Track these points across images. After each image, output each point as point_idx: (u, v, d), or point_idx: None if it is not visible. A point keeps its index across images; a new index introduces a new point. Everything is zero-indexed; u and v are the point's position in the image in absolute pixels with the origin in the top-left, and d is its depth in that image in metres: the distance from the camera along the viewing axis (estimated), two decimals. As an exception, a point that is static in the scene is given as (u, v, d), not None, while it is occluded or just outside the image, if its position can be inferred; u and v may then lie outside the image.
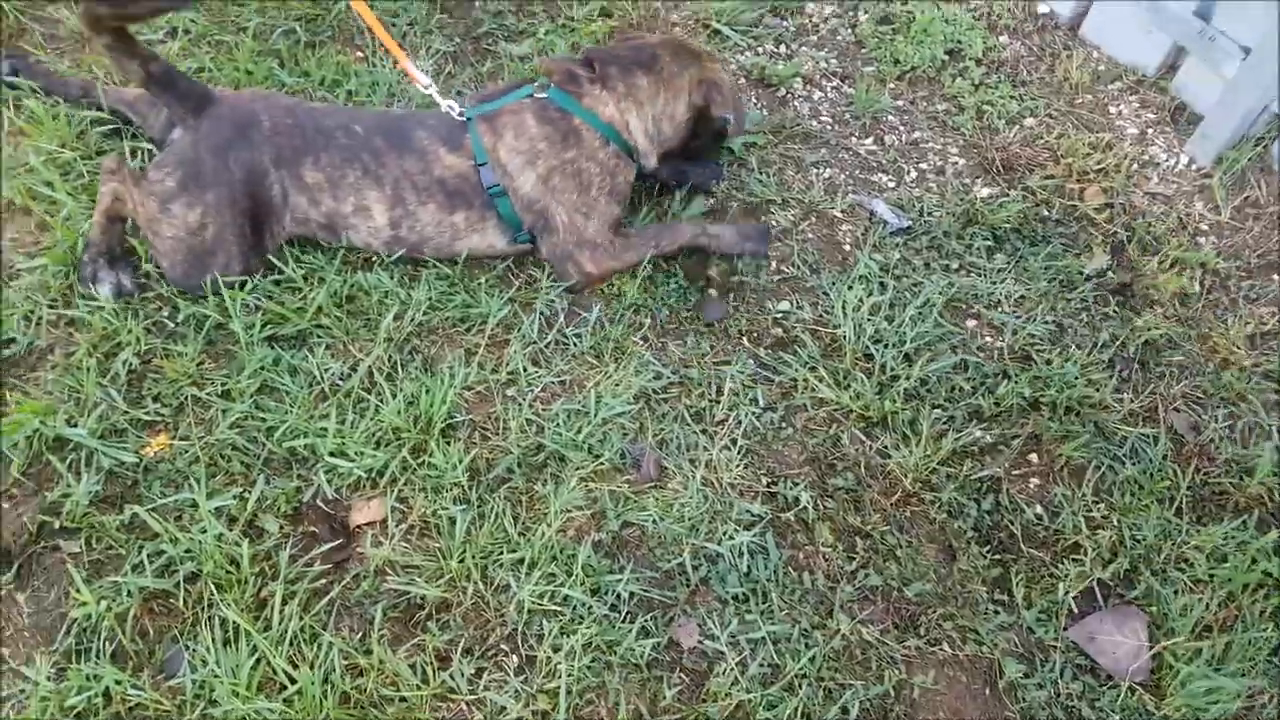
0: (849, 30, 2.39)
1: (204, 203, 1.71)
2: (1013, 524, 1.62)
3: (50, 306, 1.67)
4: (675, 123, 1.85)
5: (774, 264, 1.91)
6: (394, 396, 1.61)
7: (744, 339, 1.80)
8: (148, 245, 1.76)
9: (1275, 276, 1.99)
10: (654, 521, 1.55)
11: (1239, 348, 1.85)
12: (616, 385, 1.69)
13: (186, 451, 1.55)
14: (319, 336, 1.69)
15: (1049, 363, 1.79)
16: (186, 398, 1.60)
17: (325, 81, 2.05)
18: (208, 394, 1.61)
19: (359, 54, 2.16)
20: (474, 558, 1.48)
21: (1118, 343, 1.84)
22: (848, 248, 1.96)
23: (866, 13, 2.41)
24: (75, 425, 1.55)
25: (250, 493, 1.51)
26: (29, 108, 1.90)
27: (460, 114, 1.80)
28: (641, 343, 1.76)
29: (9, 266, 1.72)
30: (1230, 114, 2.09)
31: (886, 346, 1.77)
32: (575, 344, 1.74)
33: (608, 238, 1.83)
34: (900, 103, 2.24)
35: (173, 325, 1.68)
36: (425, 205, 1.78)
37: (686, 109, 1.83)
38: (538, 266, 1.84)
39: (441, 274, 1.79)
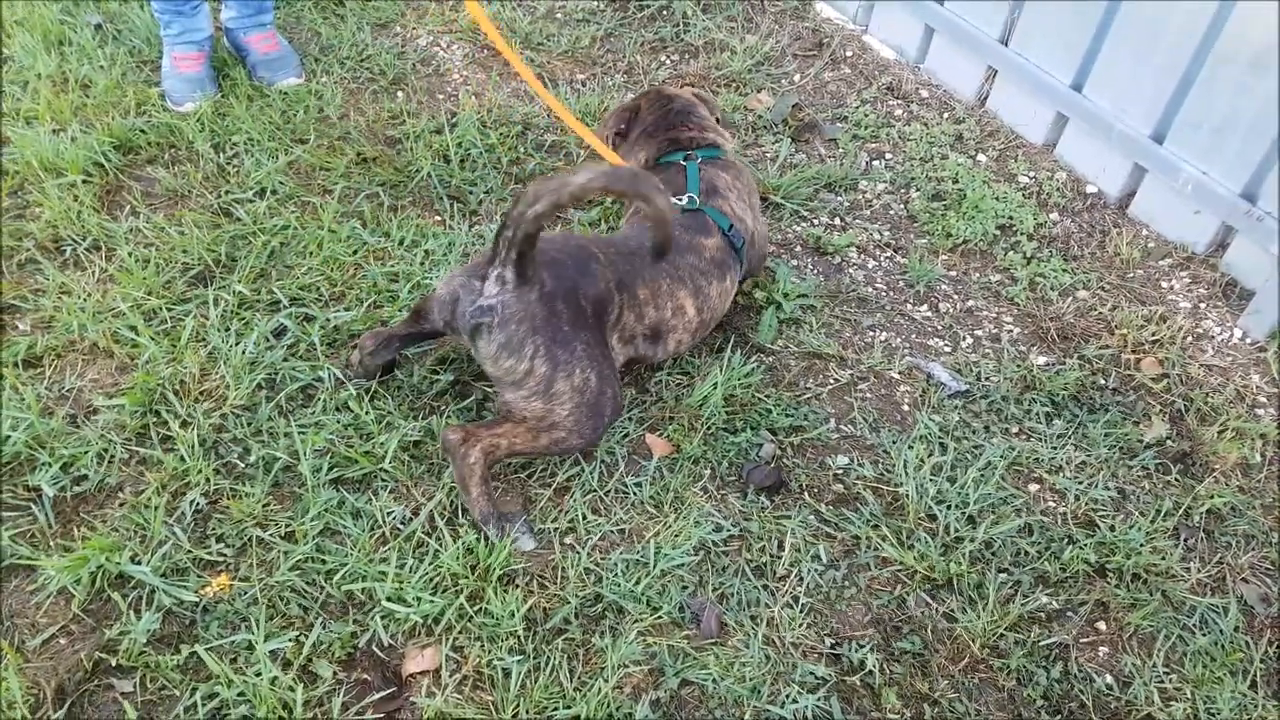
0: (901, 206, 2.69)
1: (577, 357, 1.82)
2: (1083, 694, 1.68)
3: (124, 445, 1.89)
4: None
5: (833, 421, 2.09)
6: (454, 541, 1.76)
7: (805, 494, 1.94)
8: (542, 447, 1.83)
9: (1342, 450, 2.13)
10: (714, 681, 1.64)
11: (1308, 518, 1.97)
12: (676, 536, 1.82)
13: (246, 593, 1.69)
14: (384, 480, 1.87)
15: (1113, 529, 1.90)
16: (250, 538, 1.76)
17: (404, 242, 2.34)
18: (271, 535, 1.77)
19: (437, 217, 2.47)
20: (528, 712, 1.57)
21: (1181, 510, 1.96)
22: (906, 408, 2.14)
23: (918, 190, 2.72)
24: (139, 562, 1.71)
25: (306, 636, 1.63)
26: (120, 256, 2.21)
27: (688, 199, 2.14)
28: (701, 494, 1.91)
29: (88, 406, 1.95)
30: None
31: (950, 507, 1.90)
32: (635, 493, 1.90)
33: (764, 222, 2.36)
34: (953, 273, 2.50)
35: (242, 466, 1.88)
36: (711, 285, 2.10)
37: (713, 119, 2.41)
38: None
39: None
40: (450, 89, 2.92)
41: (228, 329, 2.08)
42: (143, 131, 2.57)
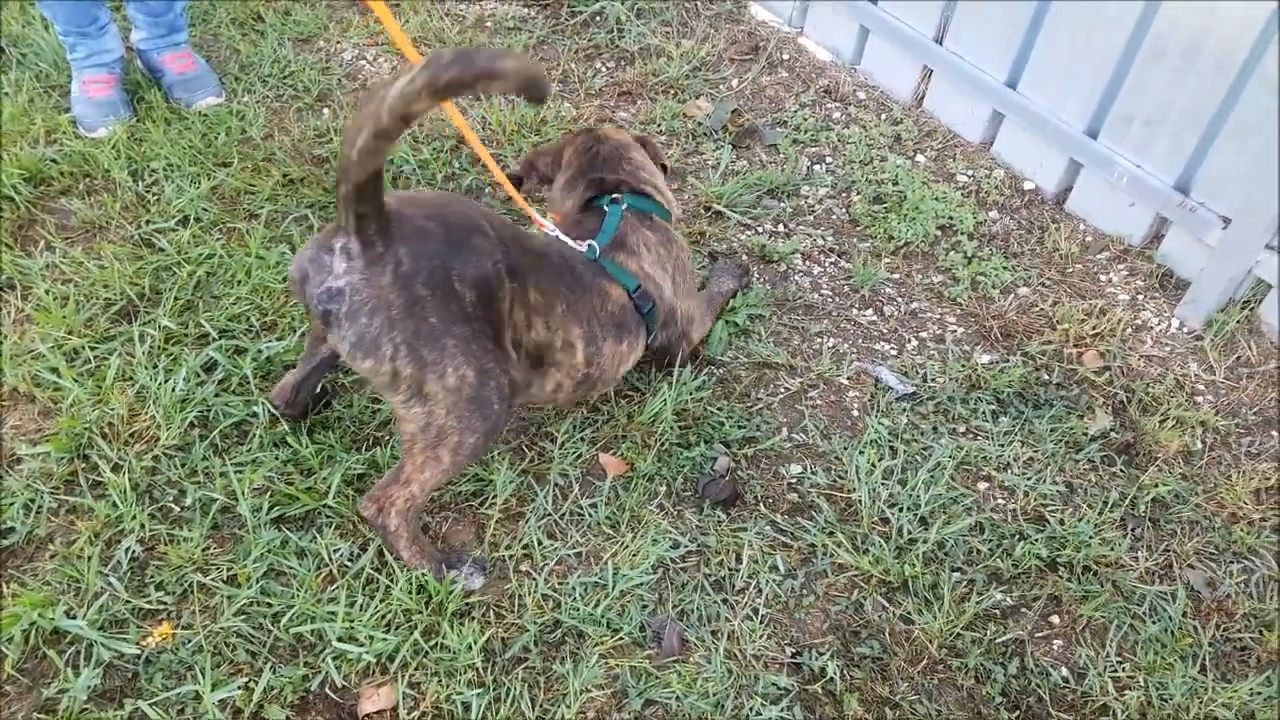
0: (843, 210, 2.79)
1: (448, 355, 1.59)
2: (1040, 688, 1.78)
3: (52, 493, 1.88)
4: (661, 179, 2.26)
5: (785, 430, 2.17)
6: (405, 576, 1.79)
7: (760, 505, 2.01)
8: (450, 464, 1.69)
9: (1274, 433, 2.26)
10: (678, 699, 1.70)
11: (1246, 503, 2.09)
12: (634, 556, 1.88)
13: (190, 641, 1.70)
14: (328, 516, 1.89)
15: (1062, 523, 2.01)
16: (191, 584, 1.77)
17: (336, 265, 2.37)
18: (213, 580, 1.78)
19: (367, 238, 2.50)
20: (491, 744, 1.62)
21: (1127, 501, 2.08)
22: (856, 413, 2.23)
23: (859, 193, 2.82)
24: (74, 617, 1.71)
25: (256, 682, 1.65)
26: (37, 295, 2.20)
27: (587, 247, 1.94)
28: (658, 511, 1.98)
29: (10, 455, 1.94)
30: (1216, 280, 2.45)
31: (902, 510, 2.00)
32: (590, 514, 1.95)
33: (702, 309, 2.25)
34: (897, 275, 2.60)
35: (178, 509, 1.89)
36: (606, 340, 1.92)
37: (656, 166, 2.28)
38: (549, 439, 2.08)
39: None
40: (379, 105, 2.95)
41: (155, 366, 2.08)
42: (54, 161, 2.55)
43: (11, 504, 1.84)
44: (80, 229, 2.42)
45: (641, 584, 1.85)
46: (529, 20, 3.38)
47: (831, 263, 2.63)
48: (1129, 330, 2.48)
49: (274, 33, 3.12)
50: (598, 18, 3.41)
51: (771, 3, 3.51)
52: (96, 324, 2.17)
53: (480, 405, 1.65)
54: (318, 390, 2.02)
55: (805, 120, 3.06)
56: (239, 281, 2.29)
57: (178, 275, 2.28)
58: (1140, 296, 2.59)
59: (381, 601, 1.76)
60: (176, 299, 2.23)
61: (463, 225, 1.63)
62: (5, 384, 2.04)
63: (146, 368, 2.07)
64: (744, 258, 2.60)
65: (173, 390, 2.02)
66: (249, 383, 2.07)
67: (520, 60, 1.31)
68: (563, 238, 1.97)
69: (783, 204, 2.79)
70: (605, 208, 2.06)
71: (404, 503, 1.71)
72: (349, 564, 1.82)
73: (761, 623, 1.82)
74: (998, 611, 1.88)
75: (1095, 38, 2.60)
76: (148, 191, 2.52)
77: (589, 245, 1.96)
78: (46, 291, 2.21)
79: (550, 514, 1.95)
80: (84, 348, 2.12)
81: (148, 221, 2.43)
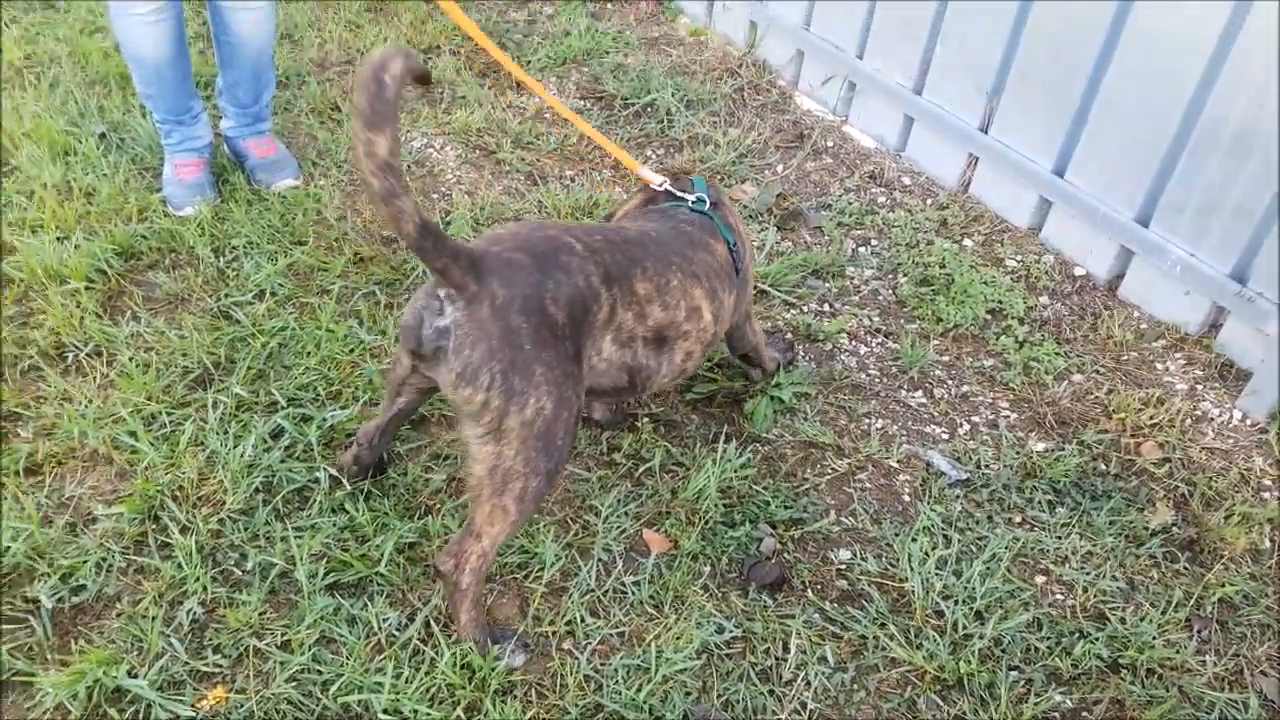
0: (890, 291, 2.76)
1: (534, 384, 1.61)
2: (1105, 798, 1.66)
3: (123, 553, 1.90)
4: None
5: (833, 512, 2.11)
6: (449, 650, 1.76)
7: (808, 591, 1.95)
8: (517, 514, 1.69)
9: (1349, 533, 2.14)
10: (721, 791, 1.62)
11: (1322, 607, 1.97)
12: (677, 639, 1.82)
13: (242, 706, 1.68)
14: (379, 584, 1.88)
15: (1124, 622, 1.90)
16: (247, 648, 1.77)
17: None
18: (267, 644, 1.77)
19: (431, 314, 2.54)
20: (530, 829, 1.55)
21: (1192, 600, 1.96)
22: (907, 498, 2.16)
23: (906, 275, 2.79)
24: (136, 676, 1.71)
25: (303, 751, 1.63)
26: (121, 361, 2.27)
27: (696, 199, 2.06)
28: (702, 592, 1.92)
29: (87, 514, 1.98)
30: (1277, 369, 2.35)
31: (957, 603, 1.91)
32: (634, 593, 1.90)
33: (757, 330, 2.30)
34: (946, 358, 2.55)
35: (239, 573, 1.89)
36: (725, 292, 1.99)
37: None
38: (593, 512, 2.05)
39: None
40: (444, 188, 3.03)
41: (226, 432, 2.12)
42: (144, 237, 2.66)
43: (85, 563, 1.87)
44: (164, 301, 2.51)
45: (685, 669, 1.78)
46: (585, 111, 3.47)
47: (878, 343, 2.59)
48: (1188, 421, 2.38)
49: (350, 122, 3.25)
50: (649, 109, 3.49)
51: (818, 93, 3.55)
52: (174, 390, 2.23)
53: (547, 442, 1.66)
54: (383, 461, 2.06)
55: (850, 204, 3.05)
56: (308, 353, 2.34)
57: (251, 345, 2.34)
58: (1199, 387, 2.49)
59: (427, 674, 1.73)
60: (249, 368, 2.28)
61: (549, 248, 1.68)
62: (88, 445, 2.09)
63: (218, 433, 2.11)
64: (789, 336, 2.57)
65: (241, 455, 2.06)
66: (313, 449, 2.10)
67: (389, 54, 1.39)
68: (670, 189, 2.09)
69: (828, 284, 2.77)
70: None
71: (477, 559, 1.71)
72: (396, 633, 1.80)
73: (810, 718, 1.74)
74: (1057, 714, 1.77)
75: (1144, 126, 2.56)
76: (228, 267, 2.61)
77: (699, 197, 2.05)
78: (130, 359, 2.28)
79: (593, 590, 1.91)
80: (161, 413, 2.17)
81: (226, 295, 2.51)
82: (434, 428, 2.21)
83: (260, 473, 2.05)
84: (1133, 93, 2.58)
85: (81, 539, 1.92)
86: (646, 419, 2.28)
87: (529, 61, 3.77)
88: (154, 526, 1.96)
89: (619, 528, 2.03)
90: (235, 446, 2.08)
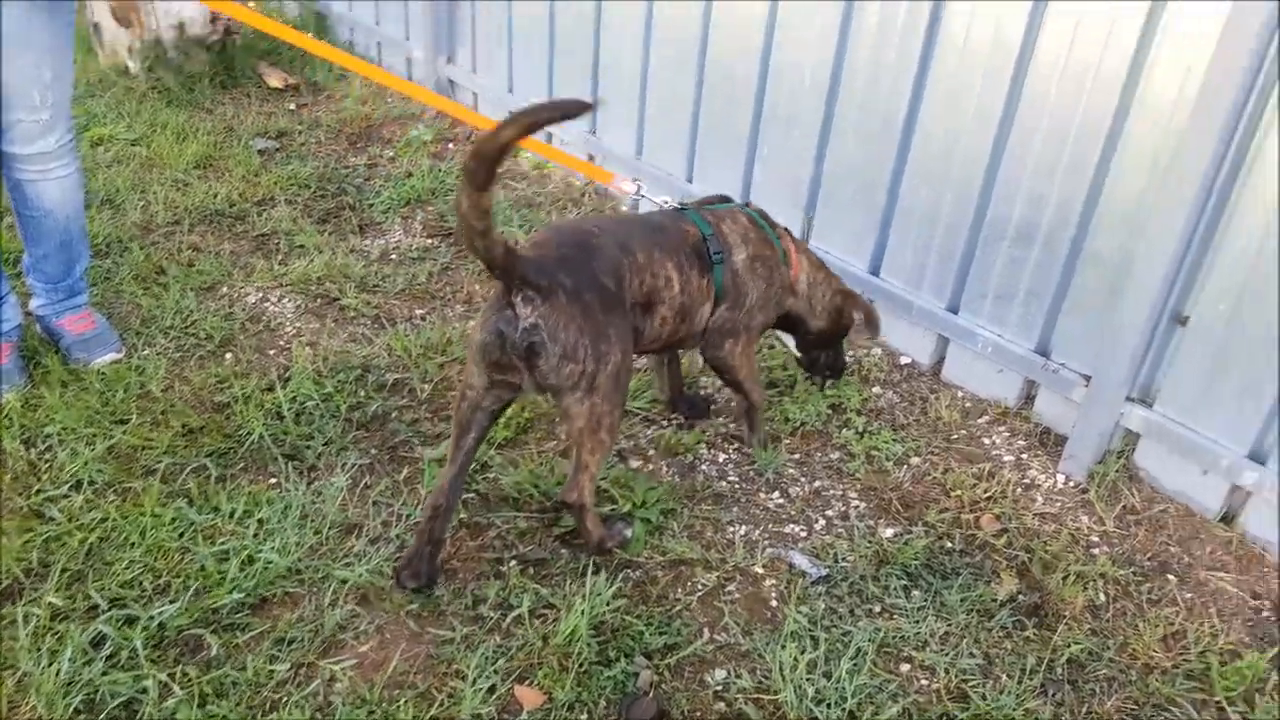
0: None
1: (612, 344, 1.98)
2: None
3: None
4: (824, 303, 2.52)
5: (706, 631, 2.09)
6: None
7: (686, 722, 1.91)
8: (604, 444, 2.06)
9: (1170, 576, 2.29)
10: None
11: (1156, 651, 2.07)
12: (559, 797, 1.74)
13: None
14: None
15: (984, 698, 1.95)
16: None
17: (235, 514, 2.26)
18: None
19: (272, 480, 2.42)
20: None
21: (1044, 665, 2.04)
22: (774, 603, 2.18)
23: (750, 380, 2.90)
24: None
25: None
26: None
27: (679, 205, 2.39)
28: (580, 743, 1.85)
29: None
30: (1089, 434, 2.54)
31: (829, 706, 1.91)
32: (511, 757, 1.81)
33: (754, 338, 2.47)
34: (797, 456, 2.63)
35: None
36: (694, 270, 2.24)
37: (833, 299, 2.53)
38: (458, 676, 1.94)
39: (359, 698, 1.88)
40: (283, 343, 2.95)
41: (39, 649, 1.91)
42: (-58, 435, 2.44)
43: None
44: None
45: (569, 827, 1.70)
46: (433, 249, 3.49)
47: (735, 449, 2.65)
48: (1019, 490, 2.53)
49: (176, 285, 3.14)
50: (493, 241, 3.54)
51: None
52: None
53: (620, 383, 2.04)
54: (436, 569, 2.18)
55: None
56: (132, 544, 2.16)
57: (68, 544, 2.15)
58: (1024, 456, 2.66)
59: None
60: (65, 570, 2.08)
61: (581, 237, 2.06)
62: None
63: (30, 651, 1.90)
64: (651, 452, 2.60)
65: (57, 673, 1.85)
66: (138, 655, 1.91)
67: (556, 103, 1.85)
68: (645, 194, 2.51)
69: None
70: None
71: (589, 482, 2.10)
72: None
73: None
74: (936, 806, 1.78)
75: (942, 226, 2.80)
76: (40, 459, 2.41)
77: (665, 200, 2.42)
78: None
79: (470, 759, 1.80)
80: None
81: (38, 491, 2.31)
82: (276, 608, 2.08)
83: (79, 690, 1.84)
84: (928, 198, 2.82)
85: None
86: (514, 561, 2.23)
87: (371, 205, 3.78)
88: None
89: (488, 688, 1.93)
90: (50, 664, 1.87)
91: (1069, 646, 2.08)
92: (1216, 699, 1.98)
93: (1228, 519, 2.44)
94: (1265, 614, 2.21)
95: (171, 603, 2.03)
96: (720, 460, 2.61)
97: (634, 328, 2.13)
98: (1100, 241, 2.49)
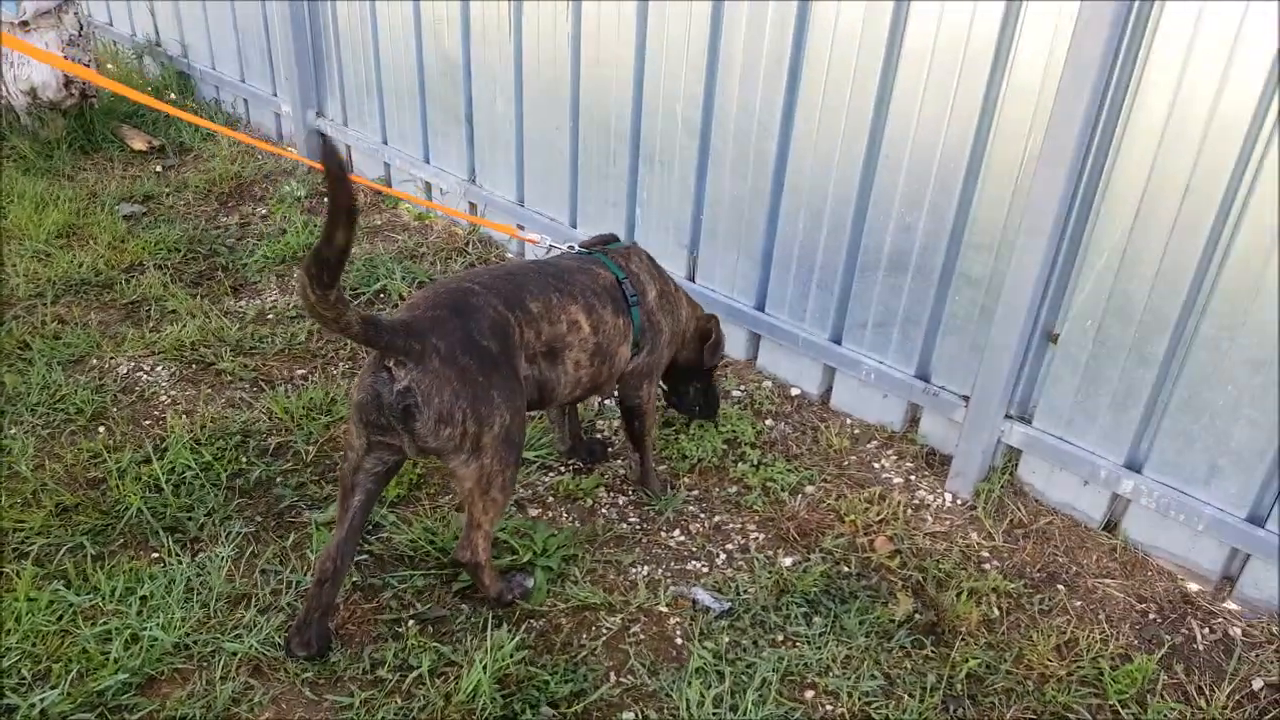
0: (634, 438, 2.86)
1: (495, 406, 1.95)
2: None
3: None
4: (691, 331, 2.60)
5: (612, 674, 2.07)
6: None
7: (593, 771, 1.87)
8: (496, 503, 2.04)
9: (1059, 586, 2.39)
10: None
11: (1050, 660, 2.15)
12: None
13: None
14: None
15: (887, 719, 1.99)
16: None
17: (116, 592, 2.14)
18: None
19: (154, 554, 2.30)
20: None
21: (944, 682, 2.09)
22: (680, 641, 2.17)
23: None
24: None
25: None
26: None
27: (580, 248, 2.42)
28: (485, 804, 1.79)
29: None
30: (972, 452, 2.65)
31: (737, 741, 1.91)
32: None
33: (658, 378, 2.54)
34: (696, 493, 2.65)
35: None
36: (607, 310, 2.26)
37: (698, 325, 2.62)
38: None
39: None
40: (158, 412, 2.82)
41: (-109, 758, 1.76)
42: None
43: None
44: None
45: None
46: (316, 306, 3.41)
47: (634, 490, 2.66)
48: (910, 511, 2.61)
49: (42, 359, 2.98)
50: (380, 295, 3.50)
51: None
52: None
53: (511, 442, 2.02)
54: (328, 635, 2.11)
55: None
56: (8, 631, 2.03)
57: (-77, 641, 1.99)
58: (913, 477, 2.75)
59: None
60: (-78, 670, 1.93)
61: (458, 296, 2.01)
62: None
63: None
64: (550, 499, 2.57)
65: (-89, 784, 1.71)
66: (10, 752, 1.78)
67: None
68: (552, 243, 2.51)
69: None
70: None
71: (484, 540, 2.10)
72: None
73: None
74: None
75: (819, 260, 2.90)
76: (-112, 551, 2.24)
77: (570, 245, 2.46)
78: None
79: (367, 833, 1.73)
80: None
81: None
82: (165, 686, 1.96)
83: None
84: (805, 231, 2.92)
85: None
86: (412, 621, 2.17)
87: (244, 265, 3.68)
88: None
89: (388, 755, 1.87)
90: (-93, 773, 1.74)
91: (967, 662, 2.14)
92: (1111, 703, 2.07)
93: (1110, 527, 2.56)
94: (1151, 616, 2.33)
95: (53, 688, 1.91)
96: (620, 503, 2.61)
97: (542, 380, 2.15)
98: (969, 266, 2.61)
